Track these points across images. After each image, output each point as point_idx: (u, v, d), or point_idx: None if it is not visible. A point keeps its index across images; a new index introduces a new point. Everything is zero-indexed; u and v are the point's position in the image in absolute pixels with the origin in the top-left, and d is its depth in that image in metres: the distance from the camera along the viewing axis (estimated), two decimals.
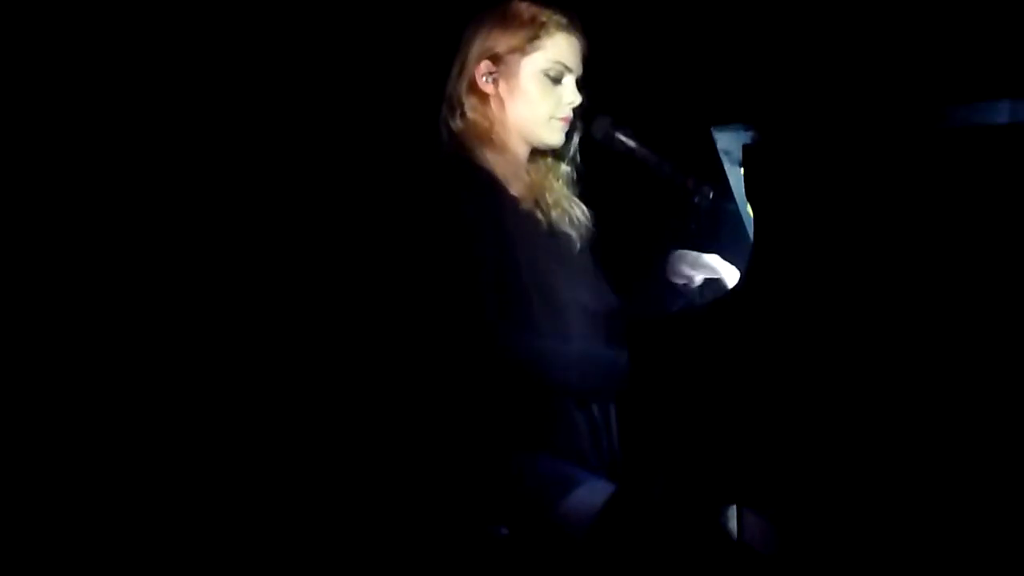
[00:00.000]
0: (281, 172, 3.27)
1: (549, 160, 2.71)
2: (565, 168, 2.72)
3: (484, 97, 2.64)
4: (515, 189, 2.62)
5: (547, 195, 2.66)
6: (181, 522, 3.16)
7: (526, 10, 2.63)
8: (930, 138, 2.15)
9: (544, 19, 2.62)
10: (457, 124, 2.64)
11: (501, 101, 2.63)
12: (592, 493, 2.41)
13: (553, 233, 2.63)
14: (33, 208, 3.12)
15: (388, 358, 2.56)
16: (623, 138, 2.63)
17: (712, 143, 2.44)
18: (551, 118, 2.64)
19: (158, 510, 3.15)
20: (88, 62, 3.15)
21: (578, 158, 2.74)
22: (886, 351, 2.12)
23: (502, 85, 2.63)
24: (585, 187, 2.75)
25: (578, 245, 2.67)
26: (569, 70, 2.63)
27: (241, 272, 3.23)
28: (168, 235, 3.21)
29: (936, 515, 2.11)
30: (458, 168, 2.55)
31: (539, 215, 2.62)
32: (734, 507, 2.42)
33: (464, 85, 2.64)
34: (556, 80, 2.62)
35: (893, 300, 2.13)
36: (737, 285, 2.21)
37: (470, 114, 2.63)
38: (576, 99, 2.64)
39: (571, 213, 2.68)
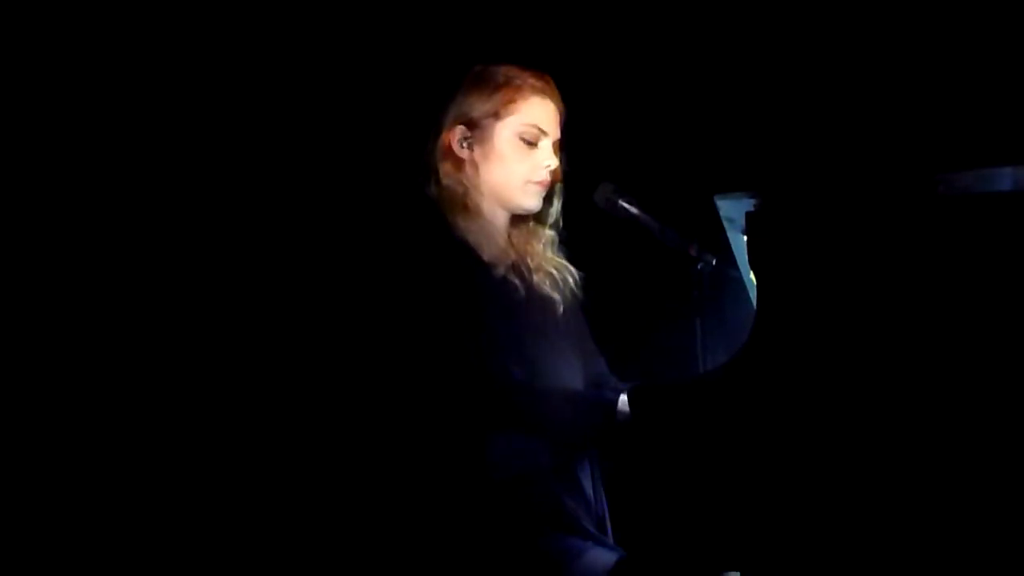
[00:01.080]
0: (247, 236, 3.27)
1: (531, 224, 2.70)
2: (548, 232, 2.71)
3: (459, 163, 2.62)
4: (489, 254, 2.60)
5: (528, 259, 2.65)
6: (173, 523, 3.16)
7: (500, 74, 2.62)
8: (932, 206, 2.15)
9: (519, 82, 2.60)
10: (432, 190, 2.62)
11: (476, 166, 2.61)
12: (594, 562, 2.40)
13: (531, 297, 2.61)
14: (32, 209, 3.13)
15: (377, 431, 2.53)
16: (626, 205, 2.62)
17: (715, 211, 2.45)
18: (527, 182, 2.62)
19: (153, 511, 3.15)
20: (86, 62, 3.16)
21: (561, 222, 2.72)
22: (889, 417, 2.12)
23: (477, 150, 2.61)
24: (584, 252, 2.74)
25: (560, 308, 2.65)
26: (544, 133, 2.61)
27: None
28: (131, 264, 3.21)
29: None
30: (427, 238, 2.53)
31: (515, 280, 2.60)
32: (737, 574, 2.41)
33: (439, 151, 2.63)
34: (531, 144, 2.60)
35: (896, 367, 2.12)
36: (740, 353, 2.20)
37: (444, 180, 2.61)
38: (553, 162, 2.62)
39: (554, 276, 2.66)
